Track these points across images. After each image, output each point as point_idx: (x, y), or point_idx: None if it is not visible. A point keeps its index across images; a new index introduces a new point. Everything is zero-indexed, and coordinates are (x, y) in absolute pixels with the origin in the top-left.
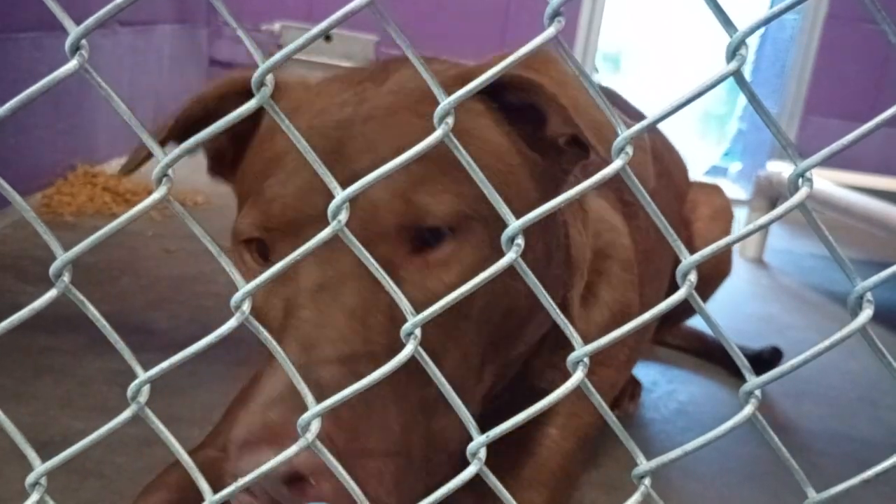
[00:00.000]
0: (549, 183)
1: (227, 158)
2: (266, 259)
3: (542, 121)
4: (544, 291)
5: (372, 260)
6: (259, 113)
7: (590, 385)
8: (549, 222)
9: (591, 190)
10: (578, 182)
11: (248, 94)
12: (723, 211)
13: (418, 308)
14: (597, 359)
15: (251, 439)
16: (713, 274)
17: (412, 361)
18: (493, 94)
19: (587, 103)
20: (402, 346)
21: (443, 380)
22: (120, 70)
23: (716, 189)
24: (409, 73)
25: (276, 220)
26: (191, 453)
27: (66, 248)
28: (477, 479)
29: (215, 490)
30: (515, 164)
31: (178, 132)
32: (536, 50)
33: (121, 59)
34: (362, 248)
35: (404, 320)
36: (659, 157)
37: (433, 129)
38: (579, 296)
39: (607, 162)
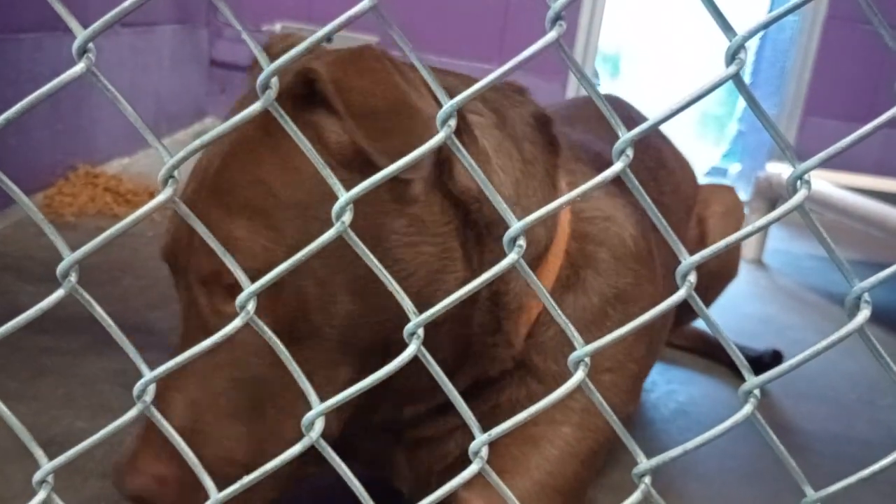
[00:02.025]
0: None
1: None
2: None
3: None
4: (548, 295)
5: (372, 257)
6: None
7: (591, 385)
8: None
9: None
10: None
11: None
12: (734, 208)
13: (224, 349)
14: (592, 285)
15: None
16: (722, 273)
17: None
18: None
19: (374, 107)
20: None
21: (445, 379)
22: (121, 71)
23: (727, 188)
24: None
25: (165, 259)
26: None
27: (70, 248)
28: (482, 480)
29: None
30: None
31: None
32: (358, 50)
33: (122, 60)
34: (365, 248)
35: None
36: (671, 171)
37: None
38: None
39: (377, 163)
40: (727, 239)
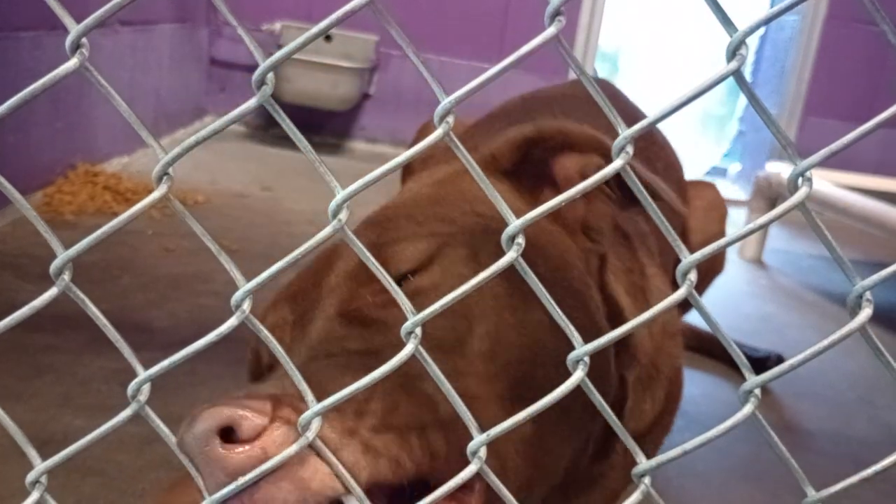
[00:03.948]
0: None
1: None
2: None
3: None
4: (560, 311)
5: (375, 262)
6: None
7: (590, 384)
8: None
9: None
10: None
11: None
12: (716, 204)
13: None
14: (665, 374)
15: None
16: (707, 270)
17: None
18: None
19: None
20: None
21: (442, 378)
22: (120, 69)
23: (708, 185)
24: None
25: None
26: None
27: (67, 246)
28: None
29: None
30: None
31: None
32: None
33: (121, 59)
34: (363, 249)
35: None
36: (654, 159)
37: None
38: (635, 382)
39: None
40: (727, 238)
